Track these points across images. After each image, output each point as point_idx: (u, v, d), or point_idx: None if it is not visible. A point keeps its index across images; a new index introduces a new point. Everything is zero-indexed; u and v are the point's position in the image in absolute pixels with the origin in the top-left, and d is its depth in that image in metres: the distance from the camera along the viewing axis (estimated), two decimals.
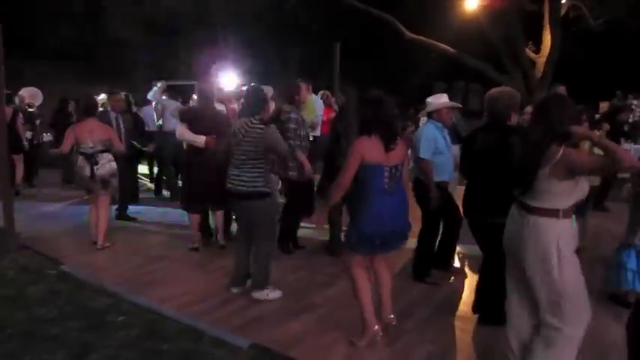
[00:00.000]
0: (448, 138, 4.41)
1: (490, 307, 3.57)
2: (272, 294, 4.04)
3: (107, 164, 5.17)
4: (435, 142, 4.24)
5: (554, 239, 2.52)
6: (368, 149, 3.08)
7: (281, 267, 4.58)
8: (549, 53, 12.77)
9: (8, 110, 6.91)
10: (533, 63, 13.21)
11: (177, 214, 6.35)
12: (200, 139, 4.91)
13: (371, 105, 3.21)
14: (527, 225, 2.59)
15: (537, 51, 13.44)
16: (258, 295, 4.01)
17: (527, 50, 13.35)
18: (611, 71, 15.48)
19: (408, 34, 13.98)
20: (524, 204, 2.62)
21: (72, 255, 5.02)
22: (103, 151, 5.15)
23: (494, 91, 3.62)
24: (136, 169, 7.53)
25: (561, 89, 6.29)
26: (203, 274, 4.62)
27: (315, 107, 7.25)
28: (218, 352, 3.21)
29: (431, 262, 4.52)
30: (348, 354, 3.20)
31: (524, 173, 2.57)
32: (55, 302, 3.91)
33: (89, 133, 5.06)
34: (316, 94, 8.07)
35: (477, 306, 3.76)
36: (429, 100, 4.41)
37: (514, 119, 3.55)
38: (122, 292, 4.10)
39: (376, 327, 3.32)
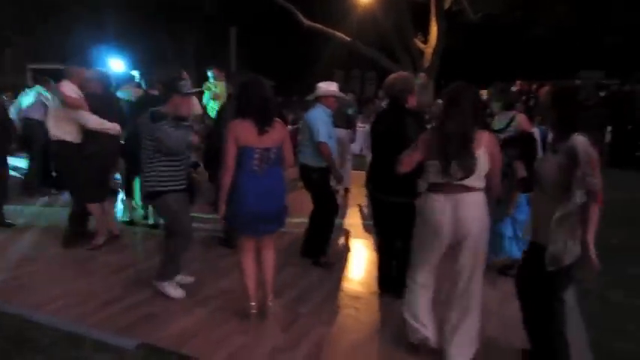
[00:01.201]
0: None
1: (391, 281, 3.79)
2: (172, 291, 3.78)
3: None
4: (327, 126, 4.31)
5: (485, 213, 2.80)
6: (241, 132, 3.15)
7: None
8: (435, 44, 13.56)
9: None
10: (421, 53, 13.94)
11: (53, 212, 5.82)
12: (115, 127, 4.74)
13: (244, 88, 3.27)
14: (463, 202, 2.75)
15: (426, 41, 14.20)
16: (158, 285, 3.82)
17: (417, 41, 14.05)
18: (489, 61, 16.87)
19: (307, 22, 14.05)
20: (460, 185, 2.75)
21: None
22: None
23: (391, 76, 3.78)
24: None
25: (422, 76, 6.72)
26: (83, 274, 4.24)
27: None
28: (101, 356, 2.97)
29: (325, 243, 4.56)
30: (242, 344, 3.13)
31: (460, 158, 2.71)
32: None
33: None
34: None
35: (381, 282, 3.92)
36: (321, 85, 4.46)
37: (412, 102, 3.69)
38: None
39: (252, 303, 3.45)
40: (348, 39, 14.26)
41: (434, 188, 2.83)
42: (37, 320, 3.36)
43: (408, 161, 2.89)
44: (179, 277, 3.93)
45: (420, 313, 3.00)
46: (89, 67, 5.09)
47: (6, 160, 5.77)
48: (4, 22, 14.05)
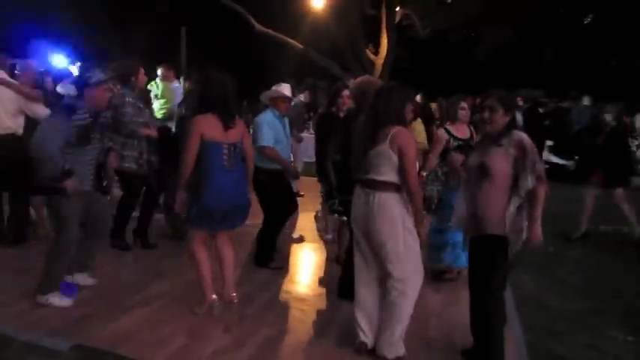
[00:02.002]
0: (288, 127, 4.55)
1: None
2: (57, 300, 3.45)
3: None
4: (274, 130, 4.32)
5: (400, 210, 2.89)
6: (207, 127, 3.15)
7: (116, 262, 4.25)
8: (385, 56, 13.92)
9: None
10: (372, 63, 14.25)
11: None
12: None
13: (207, 83, 3.28)
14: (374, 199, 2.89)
15: (377, 53, 14.54)
16: (39, 299, 3.44)
17: (368, 51, 14.36)
18: (436, 75, 17.48)
19: (258, 26, 14.00)
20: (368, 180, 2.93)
21: None
22: None
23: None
24: None
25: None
26: (11, 272, 4.02)
27: (174, 95, 6.59)
28: (33, 357, 2.83)
29: (273, 248, 4.57)
30: (183, 345, 3.07)
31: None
32: None
33: None
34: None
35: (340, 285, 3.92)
36: (273, 87, 4.51)
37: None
38: None
39: (213, 296, 3.43)
40: (301, 46, 14.36)
41: None
42: None
43: None
44: (80, 277, 3.74)
45: (365, 316, 3.09)
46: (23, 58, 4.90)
47: None
48: None
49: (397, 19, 14.09)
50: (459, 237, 4.23)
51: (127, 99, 4.41)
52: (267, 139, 4.26)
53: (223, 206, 3.23)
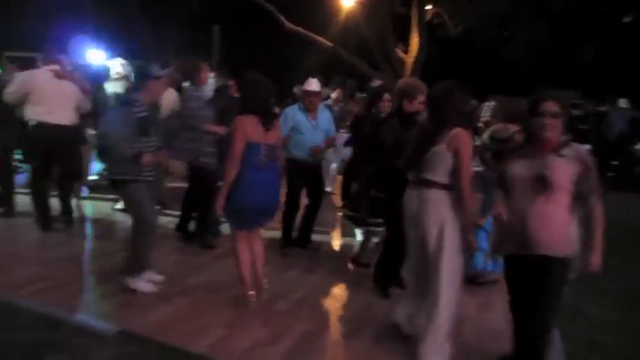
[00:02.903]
0: (314, 122, 4.65)
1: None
2: (141, 285, 3.66)
3: None
4: (292, 121, 4.56)
5: (447, 209, 2.89)
6: (249, 127, 3.25)
7: (155, 253, 4.30)
8: (417, 54, 13.83)
9: None
10: (402, 62, 14.19)
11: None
12: None
13: (248, 86, 3.42)
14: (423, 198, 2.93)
15: (407, 51, 14.47)
16: (124, 282, 3.65)
17: (398, 50, 14.30)
18: (468, 75, 17.27)
19: (288, 24, 14.10)
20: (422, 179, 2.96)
21: None
22: None
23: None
24: None
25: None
26: (59, 260, 4.19)
27: None
28: (80, 340, 2.97)
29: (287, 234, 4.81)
30: (223, 336, 3.17)
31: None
32: None
33: None
34: None
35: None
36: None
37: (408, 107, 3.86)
38: None
39: (251, 292, 3.55)
40: (330, 44, 14.40)
41: None
42: (14, 302, 3.33)
43: None
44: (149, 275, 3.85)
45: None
46: (69, 57, 5.17)
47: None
48: None
49: (428, 17, 14.00)
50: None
51: (193, 94, 4.61)
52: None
53: (255, 205, 3.35)
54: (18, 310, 3.25)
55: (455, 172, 2.87)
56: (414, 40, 13.97)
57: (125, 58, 6.57)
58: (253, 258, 3.57)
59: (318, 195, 4.83)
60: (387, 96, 5.80)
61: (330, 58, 15.46)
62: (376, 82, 5.69)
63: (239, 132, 3.24)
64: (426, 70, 14.13)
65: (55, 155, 4.84)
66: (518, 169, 2.58)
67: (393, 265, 3.99)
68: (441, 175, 2.90)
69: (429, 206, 2.92)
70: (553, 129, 2.48)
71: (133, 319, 3.27)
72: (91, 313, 3.31)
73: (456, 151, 2.84)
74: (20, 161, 7.76)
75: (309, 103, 4.64)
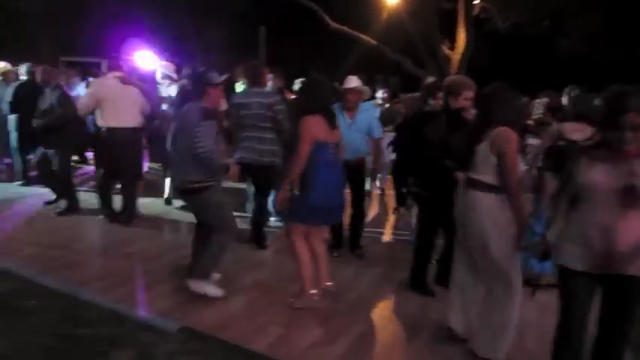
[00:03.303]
0: (349, 121, 4.56)
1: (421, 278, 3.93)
2: (209, 289, 3.59)
3: None
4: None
5: (496, 211, 2.80)
6: (316, 127, 3.30)
7: None
8: (463, 51, 13.53)
9: None
10: (448, 59, 13.92)
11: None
12: None
13: (311, 86, 3.50)
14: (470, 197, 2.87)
15: (452, 48, 14.18)
16: (194, 286, 3.56)
17: (443, 47, 14.04)
18: (515, 70, 16.74)
19: (333, 24, 14.10)
20: (469, 179, 2.89)
21: None
22: None
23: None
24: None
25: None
26: (122, 257, 4.34)
27: None
28: (144, 336, 3.05)
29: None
30: (281, 335, 3.18)
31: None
32: None
33: None
34: None
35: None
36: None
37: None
38: (30, 276, 3.76)
39: (313, 291, 3.52)
40: (374, 42, 14.29)
41: None
42: (82, 297, 3.47)
43: None
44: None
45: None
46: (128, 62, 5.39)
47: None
48: (40, 15, 14.39)
49: (475, 12, 13.68)
50: None
51: (278, 97, 4.70)
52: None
53: (327, 203, 3.39)
54: (86, 305, 3.37)
55: (500, 173, 2.78)
56: (461, 36, 13.67)
57: (172, 61, 6.76)
58: (316, 257, 3.57)
59: (358, 197, 4.76)
60: (440, 94, 5.70)
61: (374, 56, 15.36)
62: (430, 79, 5.56)
63: (307, 132, 3.27)
64: (472, 67, 13.81)
65: (122, 156, 5.08)
66: (598, 176, 2.23)
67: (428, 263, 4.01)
68: (485, 175, 2.82)
69: (474, 206, 2.85)
70: (637, 141, 2.14)
71: (192, 316, 3.33)
72: (153, 309, 3.38)
73: (499, 152, 2.76)
74: (79, 161, 8.17)
75: (347, 102, 4.58)
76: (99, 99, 5.04)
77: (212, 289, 3.61)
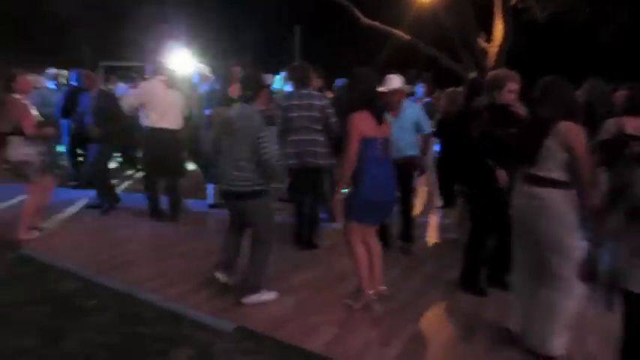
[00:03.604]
0: (392, 119, 4.40)
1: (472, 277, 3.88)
2: (265, 296, 3.60)
3: (12, 150, 4.55)
4: None
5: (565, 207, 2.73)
6: (363, 123, 3.28)
7: None
8: (501, 43, 13.20)
9: None
10: (485, 52, 13.61)
11: (137, 197, 6.20)
12: None
13: (358, 80, 3.42)
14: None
15: (489, 40, 13.85)
16: (249, 300, 3.52)
17: (479, 39, 13.74)
18: (555, 62, 16.23)
19: (364, 19, 14.00)
20: (532, 176, 2.81)
21: (29, 238, 4.67)
22: (10, 134, 4.54)
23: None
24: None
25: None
26: (173, 256, 4.44)
27: None
28: (201, 335, 3.11)
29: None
30: (335, 335, 3.18)
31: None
32: (19, 287, 3.65)
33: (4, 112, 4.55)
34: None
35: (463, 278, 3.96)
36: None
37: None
38: (90, 276, 3.88)
39: (371, 292, 3.51)
40: (407, 37, 14.11)
41: None
42: (138, 297, 3.56)
43: None
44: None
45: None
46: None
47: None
48: (81, 21, 14.86)
49: (512, 2, 13.33)
50: None
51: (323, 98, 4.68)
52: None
53: (379, 198, 3.37)
54: (143, 304, 3.46)
55: (572, 169, 2.70)
56: (498, 27, 13.34)
57: (206, 63, 6.85)
58: (371, 257, 3.55)
59: (406, 193, 4.72)
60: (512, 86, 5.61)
61: (406, 51, 15.18)
62: (472, 74, 5.45)
63: (355, 129, 3.25)
64: (511, 60, 13.47)
65: (165, 155, 5.31)
66: None
67: (481, 263, 3.93)
68: (552, 172, 2.75)
69: (539, 204, 2.78)
70: None
71: (245, 315, 3.37)
72: (207, 308, 3.44)
73: (569, 146, 2.67)
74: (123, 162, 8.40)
75: (389, 103, 4.42)
76: (143, 100, 5.32)
77: (267, 295, 3.61)
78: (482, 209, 3.83)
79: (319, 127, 4.58)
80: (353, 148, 3.26)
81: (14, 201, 5.73)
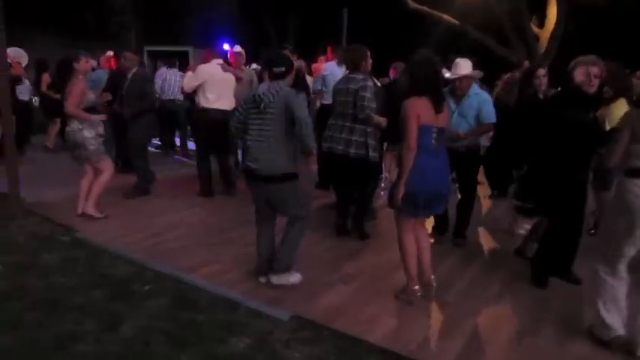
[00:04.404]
0: (453, 106, 4.29)
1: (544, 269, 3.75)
2: (292, 278, 3.53)
3: (72, 132, 4.61)
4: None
5: None
6: (422, 109, 3.10)
7: (306, 240, 4.13)
8: (554, 28, 12.61)
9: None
10: (536, 37, 13.04)
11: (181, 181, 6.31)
12: None
13: (418, 65, 3.22)
14: None
15: (541, 25, 13.25)
16: (277, 280, 3.49)
17: (532, 25, 13.17)
18: (613, 49, 15.37)
19: (412, 3, 13.66)
20: None
21: (82, 222, 4.72)
22: (70, 116, 4.61)
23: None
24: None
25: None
26: (226, 242, 4.39)
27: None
28: (257, 323, 3.05)
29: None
30: (393, 327, 3.07)
31: None
32: (74, 270, 3.69)
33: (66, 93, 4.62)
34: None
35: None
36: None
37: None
38: (144, 260, 3.88)
39: (416, 287, 3.37)
40: (456, 22, 13.66)
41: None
42: (193, 283, 3.53)
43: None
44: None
45: (618, 309, 2.85)
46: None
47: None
48: (127, 7, 15.14)
49: None
50: None
51: (368, 83, 4.33)
52: None
53: (427, 191, 3.17)
54: (197, 291, 3.43)
55: None
56: (552, 11, 12.76)
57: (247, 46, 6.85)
58: (419, 250, 3.40)
59: (467, 186, 4.51)
60: (541, 71, 5.27)
61: (452, 36, 14.68)
62: (525, 63, 5.18)
63: (412, 114, 3.08)
64: (564, 46, 12.83)
65: (218, 135, 5.53)
66: None
67: (555, 257, 3.75)
68: None
69: None
70: None
71: (300, 305, 3.29)
72: (262, 296, 3.37)
73: None
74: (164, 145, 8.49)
75: (457, 89, 4.26)
76: (202, 80, 5.57)
77: (295, 277, 3.52)
78: (556, 202, 3.62)
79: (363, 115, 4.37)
80: (412, 134, 3.07)
81: (68, 185, 5.82)
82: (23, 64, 7.85)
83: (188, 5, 15.21)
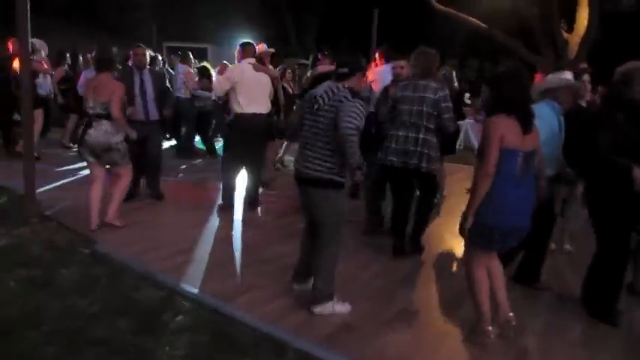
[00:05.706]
0: (563, 125, 3.61)
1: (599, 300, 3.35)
2: (339, 307, 3.18)
3: (102, 134, 4.20)
4: (550, 128, 3.48)
5: None
6: (506, 131, 2.65)
7: (346, 262, 3.70)
8: (585, 33, 12.09)
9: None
10: (566, 42, 12.54)
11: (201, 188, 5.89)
12: None
13: (506, 79, 2.78)
14: None
15: (570, 30, 12.76)
16: (320, 310, 3.13)
17: (561, 30, 12.67)
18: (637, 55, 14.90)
19: (437, 6, 13.19)
20: None
21: (101, 231, 4.28)
22: (101, 116, 4.20)
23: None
24: None
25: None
26: (262, 262, 3.92)
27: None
28: None
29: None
30: None
31: None
32: (94, 291, 3.24)
33: (93, 91, 4.24)
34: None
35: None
36: (549, 77, 3.77)
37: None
38: (173, 283, 3.44)
39: (490, 328, 2.93)
40: (484, 25, 13.18)
41: None
42: (231, 315, 3.07)
43: None
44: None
45: None
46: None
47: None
48: (147, 3, 14.86)
49: None
50: None
51: (447, 92, 4.00)
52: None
53: (505, 225, 2.73)
54: (237, 325, 2.96)
55: None
56: (582, 16, 12.22)
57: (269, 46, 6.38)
58: (493, 288, 2.94)
59: (541, 224, 3.66)
60: (586, 77, 4.93)
61: (477, 40, 14.24)
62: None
63: (495, 135, 2.63)
64: (594, 52, 12.36)
65: (250, 141, 5.08)
66: None
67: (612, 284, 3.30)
68: None
69: None
70: None
71: (354, 346, 2.83)
72: (310, 334, 2.92)
73: None
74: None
75: (564, 101, 3.67)
76: (234, 82, 5.01)
77: (340, 306, 3.18)
78: (614, 216, 3.22)
79: (431, 126, 3.94)
80: (492, 159, 2.62)
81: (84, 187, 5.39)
82: (43, 55, 7.43)
83: (208, 1, 14.84)
